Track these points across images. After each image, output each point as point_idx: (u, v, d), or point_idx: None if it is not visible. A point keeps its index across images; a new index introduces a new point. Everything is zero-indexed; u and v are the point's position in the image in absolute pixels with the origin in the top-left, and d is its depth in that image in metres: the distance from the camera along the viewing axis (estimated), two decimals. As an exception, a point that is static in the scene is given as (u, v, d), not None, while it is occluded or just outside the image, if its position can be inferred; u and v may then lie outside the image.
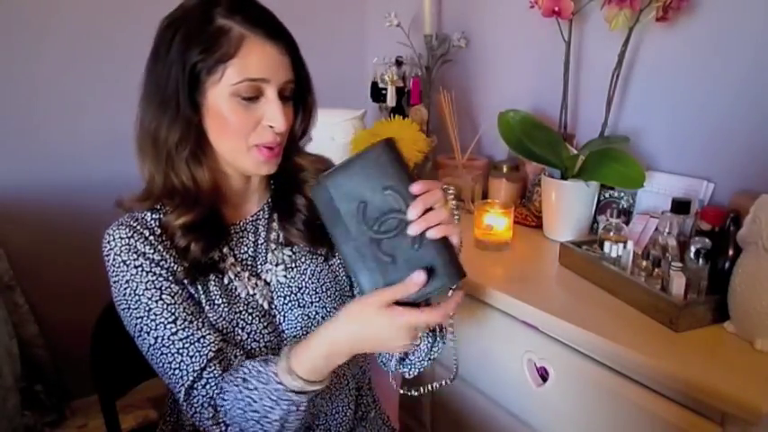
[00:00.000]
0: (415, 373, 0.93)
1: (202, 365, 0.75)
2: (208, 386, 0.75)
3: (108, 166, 1.66)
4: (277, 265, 0.86)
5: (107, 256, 0.78)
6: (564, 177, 1.28)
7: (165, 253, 0.78)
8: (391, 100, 1.73)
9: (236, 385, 0.73)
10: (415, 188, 0.65)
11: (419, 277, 0.65)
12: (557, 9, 1.28)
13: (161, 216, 0.80)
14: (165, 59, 0.75)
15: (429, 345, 0.88)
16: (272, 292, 0.85)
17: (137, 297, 0.76)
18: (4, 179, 1.59)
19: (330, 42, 2.01)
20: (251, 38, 0.73)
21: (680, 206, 1.08)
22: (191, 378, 0.75)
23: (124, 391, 1.03)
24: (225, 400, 0.74)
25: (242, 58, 0.73)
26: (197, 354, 0.75)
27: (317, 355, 0.70)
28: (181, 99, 0.74)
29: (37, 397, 1.63)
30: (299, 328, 0.85)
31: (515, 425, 1.13)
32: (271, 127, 0.77)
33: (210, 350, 0.76)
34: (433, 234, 0.65)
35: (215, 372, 0.76)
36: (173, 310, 0.76)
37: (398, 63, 1.77)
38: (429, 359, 0.90)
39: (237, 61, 0.73)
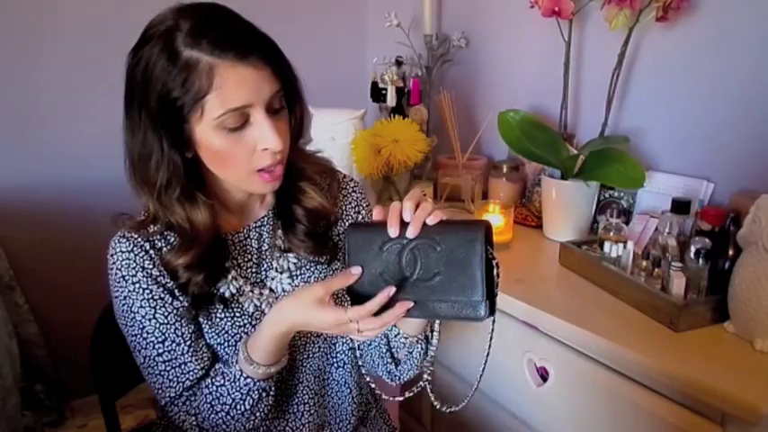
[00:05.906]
0: (401, 382, 0.92)
1: (178, 392, 0.78)
2: (186, 405, 0.79)
3: (108, 166, 1.64)
4: (282, 272, 0.86)
5: (110, 269, 0.78)
6: (564, 177, 1.28)
7: (164, 270, 0.77)
8: (391, 100, 1.73)
9: (206, 387, 0.78)
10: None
11: (356, 270, 0.70)
12: (557, 9, 1.28)
13: (164, 231, 0.78)
14: (139, 103, 0.70)
15: (421, 352, 0.87)
16: (278, 300, 0.84)
17: (132, 314, 0.77)
18: (4, 179, 1.59)
19: (330, 42, 2.01)
20: (221, 66, 0.66)
21: (680, 206, 1.08)
22: (168, 398, 0.78)
23: (124, 391, 1.03)
24: (195, 400, 0.78)
25: (218, 90, 0.67)
26: (175, 379, 0.78)
27: (267, 340, 0.73)
28: (164, 143, 0.71)
29: (37, 397, 1.64)
30: (302, 335, 0.85)
31: (515, 425, 1.13)
32: (266, 149, 0.72)
33: (188, 379, 0.78)
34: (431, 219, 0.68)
35: (191, 398, 0.79)
36: (164, 330, 0.77)
37: (398, 63, 1.76)
38: (417, 367, 0.89)
39: (214, 94, 0.67)
